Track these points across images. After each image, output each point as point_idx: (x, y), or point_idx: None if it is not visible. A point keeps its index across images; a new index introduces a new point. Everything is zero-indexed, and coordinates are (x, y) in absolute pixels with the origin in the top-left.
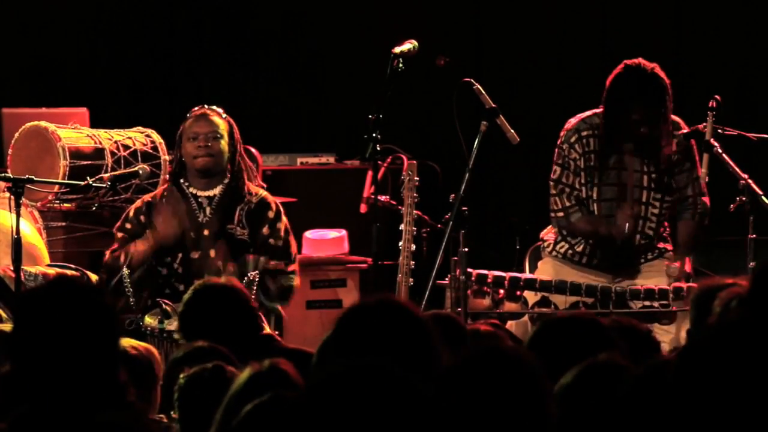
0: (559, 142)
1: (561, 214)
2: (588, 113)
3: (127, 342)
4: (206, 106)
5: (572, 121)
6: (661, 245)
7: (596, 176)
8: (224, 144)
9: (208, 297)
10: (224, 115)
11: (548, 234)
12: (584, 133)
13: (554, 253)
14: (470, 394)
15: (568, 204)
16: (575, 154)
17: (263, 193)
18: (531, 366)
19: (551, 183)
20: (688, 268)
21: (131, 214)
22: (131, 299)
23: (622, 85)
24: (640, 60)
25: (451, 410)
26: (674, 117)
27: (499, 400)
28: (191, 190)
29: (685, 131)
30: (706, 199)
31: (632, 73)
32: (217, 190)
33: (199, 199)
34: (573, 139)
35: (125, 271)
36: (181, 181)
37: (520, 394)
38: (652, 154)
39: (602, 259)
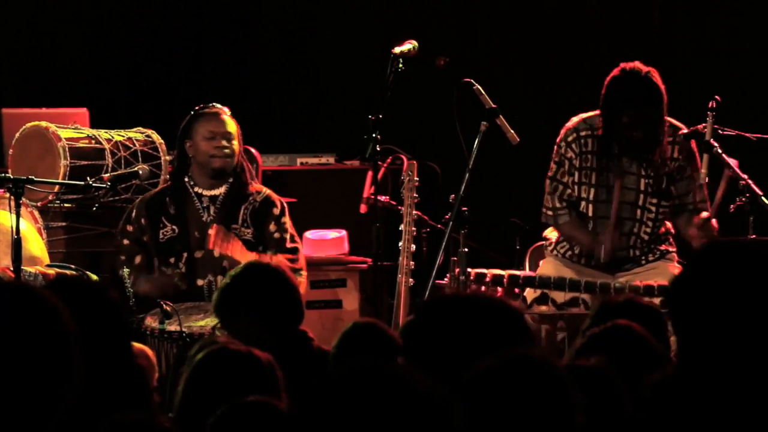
0: (558, 140)
1: (550, 213)
2: (591, 113)
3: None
4: (216, 105)
5: (574, 120)
6: (663, 247)
7: (592, 177)
8: (236, 145)
9: (256, 275)
10: (230, 114)
11: (551, 233)
12: (583, 133)
13: (555, 252)
14: (497, 402)
15: (558, 205)
16: (571, 153)
17: (267, 191)
18: (561, 376)
19: (547, 180)
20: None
21: (133, 215)
22: (131, 299)
23: (615, 87)
24: (636, 63)
25: (476, 417)
26: (675, 121)
27: (527, 410)
28: (196, 189)
29: (684, 131)
30: (708, 207)
31: (625, 76)
32: (221, 190)
33: (202, 199)
34: (570, 138)
35: (125, 270)
36: (186, 179)
37: (549, 404)
38: (647, 157)
39: (598, 260)
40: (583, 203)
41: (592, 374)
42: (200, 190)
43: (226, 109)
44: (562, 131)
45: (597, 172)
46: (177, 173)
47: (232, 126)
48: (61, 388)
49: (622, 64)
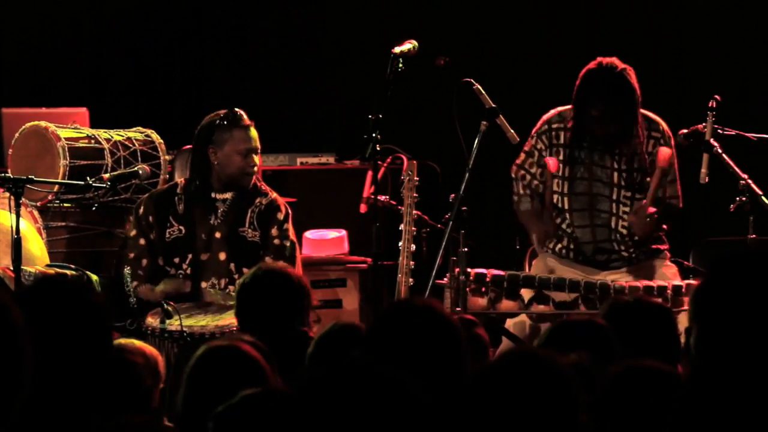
0: (532, 131)
1: (515, 198)
2: (567, 107)
3: (129, 342)
4: (243, 115)
5: (550, 112)
6: (654, 246)
7: (565, 170)
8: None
9: (271, 279)
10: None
11: None
12: (555, 126)
13: (546, 249)
14: (499, 401)
15: (522, 192)
16: (541, 145)
17: (273, 195)
18: (565, 374)
19: (514, 167)
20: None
21: (141, 212)
22: (132, 298)
23: (585, 81)
24: (613, 59)
25: (478, 416)
26: (652, 114)
27: (529, 408)
28: (210, 193)
29: (684, 131)
30: (680, 203)
31: (599, 70)
32: (230, 194)
33: (212, 201)
34: (542, 130)
35: (127, 269)
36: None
37: (552, 402)
38: (617, 151)
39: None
40: (557, 197)
41: (576, 370)
42: (214, 194)
43: (245, 116)
44: (538, 123)
45: (569, 164)
46: (201, 178)
47: (257, 139)
48: (13, 385)
49: (599, 59)
